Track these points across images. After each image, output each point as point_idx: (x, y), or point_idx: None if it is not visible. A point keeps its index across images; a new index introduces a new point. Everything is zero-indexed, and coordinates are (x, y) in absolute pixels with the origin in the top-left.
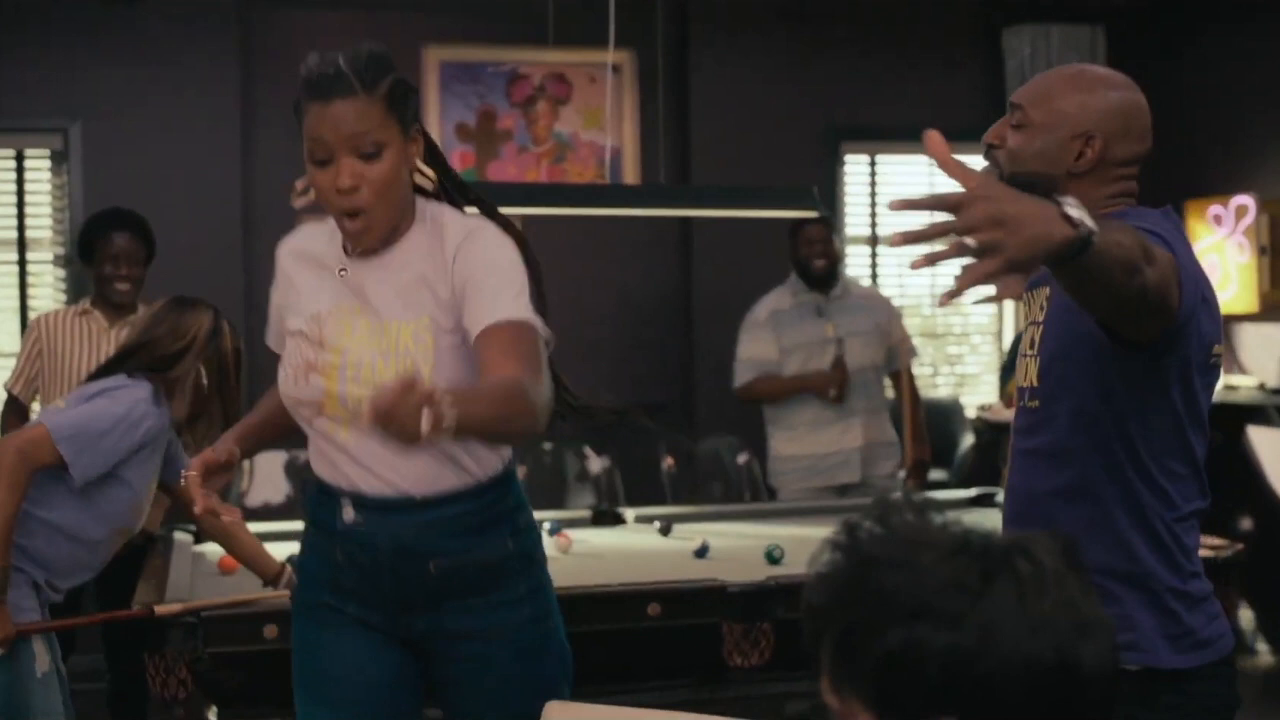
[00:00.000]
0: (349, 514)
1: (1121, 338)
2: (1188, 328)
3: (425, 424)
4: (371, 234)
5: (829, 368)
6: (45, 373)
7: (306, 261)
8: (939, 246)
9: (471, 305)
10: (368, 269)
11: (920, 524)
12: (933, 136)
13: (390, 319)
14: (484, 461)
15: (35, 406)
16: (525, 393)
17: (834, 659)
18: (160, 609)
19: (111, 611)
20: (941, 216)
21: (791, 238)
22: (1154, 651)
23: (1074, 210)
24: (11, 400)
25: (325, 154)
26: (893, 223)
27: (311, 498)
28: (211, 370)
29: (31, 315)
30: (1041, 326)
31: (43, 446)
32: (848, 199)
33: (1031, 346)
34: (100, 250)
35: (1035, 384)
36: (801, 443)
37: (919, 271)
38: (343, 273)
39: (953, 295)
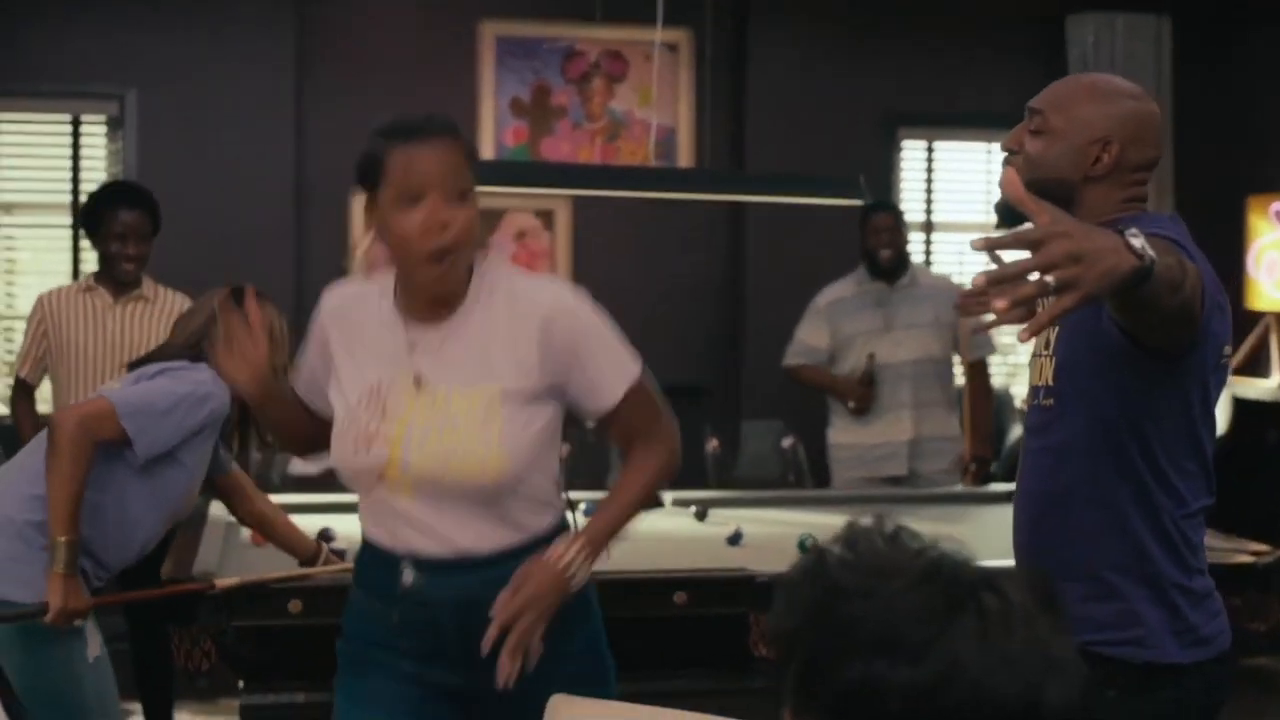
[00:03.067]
0: (409, 577)
1: (1145, 345)
2: (1205, 332)
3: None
4: (452, 281)
5: (858, 378)
6: (52, 352)
7: (357, 325)
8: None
9: (591, 383)
10: (430, 335)
11: (890, 551)
12: (1009, 175)
13: (453, 387)
14: (541, 518)
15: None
16: (670, 459)
17: (795, 688)
18: (220, 583)
19: (165, 585)
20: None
21: (860, 227)
22: (1161, 647)
23: (1136, 240)
24: (20, 383)
25: (418, 191)
26: (948, 209)
27: (362, 562)
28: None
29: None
30: (1056, 328)
31: (105, 421)
32: (904, 185)
33: (1046, 347)
34: (106, 226)
35: (1050, 383)
36: (852, 432)
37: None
38: (412, 344)
39: (1036, 331)
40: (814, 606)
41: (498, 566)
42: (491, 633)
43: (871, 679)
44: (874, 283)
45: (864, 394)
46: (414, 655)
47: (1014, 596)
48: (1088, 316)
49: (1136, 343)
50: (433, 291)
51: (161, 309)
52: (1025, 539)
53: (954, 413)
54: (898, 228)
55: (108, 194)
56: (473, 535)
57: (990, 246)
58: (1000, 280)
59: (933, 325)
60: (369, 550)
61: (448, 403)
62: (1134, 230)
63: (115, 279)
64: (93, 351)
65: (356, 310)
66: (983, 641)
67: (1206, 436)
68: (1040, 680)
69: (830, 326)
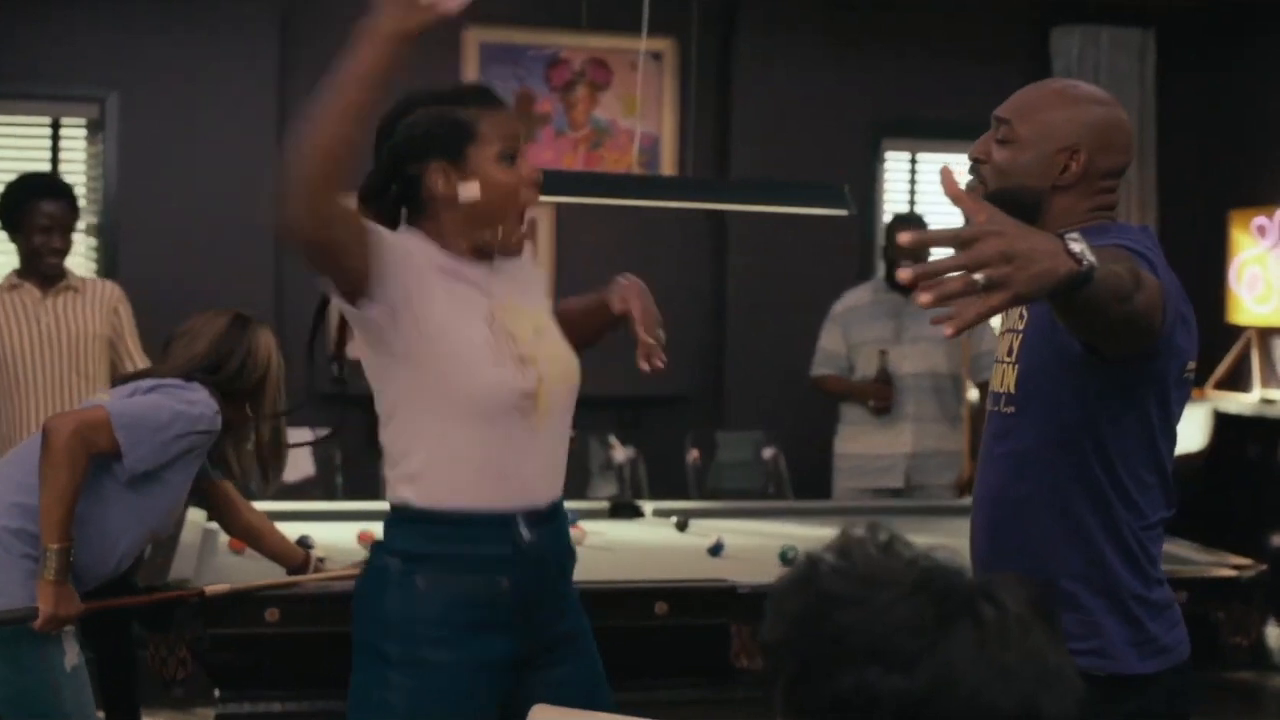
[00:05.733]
0: (526, 533)
1: (1101, 353)
2: (1166, 345)
3: None
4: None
5: (875, 376)
6: None
7: (427, 264)
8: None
9: None
10: (491, 273)
11: (883, 560)
12: (945, 172)
13: (532, 309)
14: None
15: None
16: None
17: (786, 699)
18: (211, 589)
19: (152, 591)
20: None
21: (886, 237)
22: (1122, 659)
23: (1077, 244)
24: None
25: (515, 149)
26: (932, 220)
27: (453, 542)
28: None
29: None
30: (1020, 335)
31: (101, 431)
32: (888, 195)
33: (1009, 354)
34: (30, 220)
35: (1012, 391)
36: (855, 442)
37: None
38: (487, 277)
39: (962, 329)
40: (806, 614)
41: (561, 510)
42: (650, 340)
43: (864, 687)
44: (890, 293)
45: (883, 391)
46: (506, 633)
47: (1011, 606)
48: (1052, 328)
49: (1097, 353)
50: (518, 240)
51: (93, 298)
52: (983, 546)
53: (957, 429)
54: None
55: (27, 187)
56: (563, 469)
57: (920, 242)
58: (928, 275)
59: (941, 341)
60: (466, 524)
61: (536, 319)
62: (1075, 235)
63: (41, 273)
64: (30, 347)
65: (421, 252)
66: (980, 652)
67: (1166, 449)
68: (1037, 691)
69: (843, 332)
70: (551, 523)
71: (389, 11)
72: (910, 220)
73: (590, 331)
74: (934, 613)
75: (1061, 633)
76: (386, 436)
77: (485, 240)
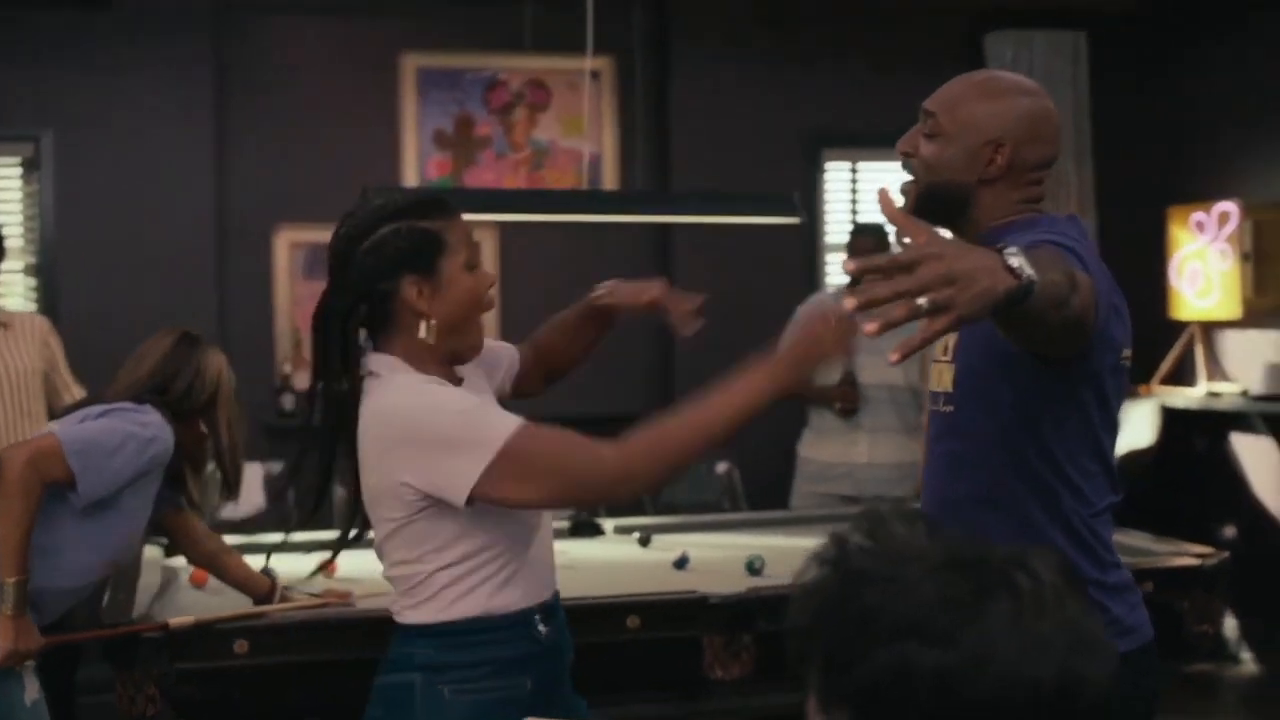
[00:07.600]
0: (543, 627)
1: (1042, 355)
2: (1100, 339)
3: None
4: None
5: (839, 379)
6: None
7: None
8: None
9: None
10: (466, 385)
11: (910, 537)
12: (883, 195)
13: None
14: None
15: None
16: None
17: (820, 680)
18: (174, 622)
19: (115, 626)
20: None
21: (846, 249)
22: None
23: (1015, 259)
24: None
25: (477, 255)
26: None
27: (479, 650)
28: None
29: None
30: (956, 335)
31: (53, 459)
32: (828, 205)
33: (945, 352)
34: None
35: (950, 389)
36: (815, 447)
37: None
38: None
39: (907, 354)
40: (834, 595)
41: (560, 602)
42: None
43: (899, 664)
44: None
45: (848, 394)
46: None
47: (1045, 576)
48: (988, 327)
49: (1034, 354)
50: (479, 343)
51: (23, 333)
52: None
53: (915, 440)
54: (880, 252)
55: None
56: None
57: (863, 270)
58: (871, 304)
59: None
60: (487, 630)
61: None
62: (1013, 249)
63: None
64: None
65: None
66: (1017, 623)
67: (1108, 441)
68: (1073, 659)
69: None
70: (558, 613)
71: (790, 374)
72: (871, 230)
73: (589, 338)
74: (969, 586)
75: (1088, 601)
76: (398, 570)
77: (460, 348)
